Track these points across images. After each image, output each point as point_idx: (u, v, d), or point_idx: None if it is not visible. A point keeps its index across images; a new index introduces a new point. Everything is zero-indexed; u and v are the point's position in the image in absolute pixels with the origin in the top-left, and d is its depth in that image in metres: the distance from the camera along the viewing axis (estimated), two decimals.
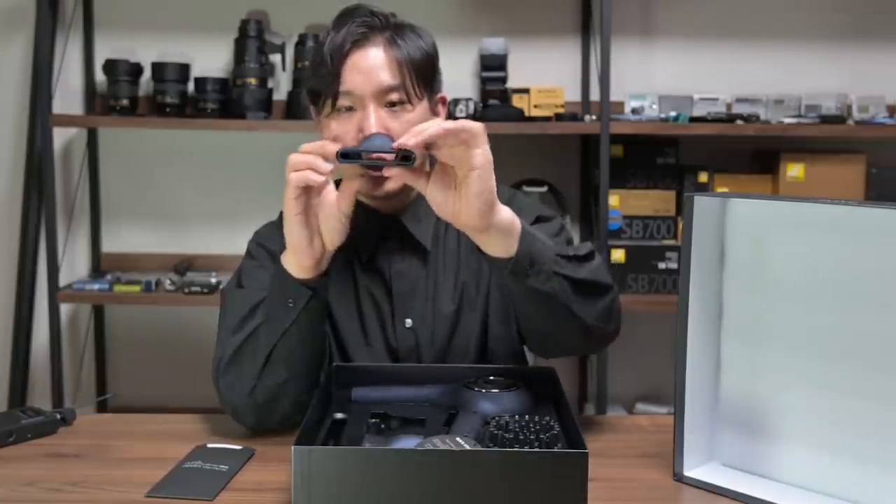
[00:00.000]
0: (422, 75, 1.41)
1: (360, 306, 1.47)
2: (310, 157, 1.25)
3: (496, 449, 1.09)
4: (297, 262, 1.30)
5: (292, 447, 1.04)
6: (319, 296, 1.33)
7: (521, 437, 1.11)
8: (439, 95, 1.48)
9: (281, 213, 1.56)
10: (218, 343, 1.39)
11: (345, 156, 1.24)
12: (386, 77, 1.38)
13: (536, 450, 1.08)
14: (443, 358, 1.46)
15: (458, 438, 1.12)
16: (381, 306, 1.47)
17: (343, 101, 1.38)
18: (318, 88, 1.41)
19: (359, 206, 1.47)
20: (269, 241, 1.49)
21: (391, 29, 1.41)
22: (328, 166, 1.25)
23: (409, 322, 1.47)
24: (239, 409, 1.33)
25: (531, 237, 1.25)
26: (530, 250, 1.24)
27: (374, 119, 1.36)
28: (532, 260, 1.24)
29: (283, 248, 1.45)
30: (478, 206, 1.18)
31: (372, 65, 1.37)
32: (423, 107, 1.42)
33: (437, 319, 1.47)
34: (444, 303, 1.48)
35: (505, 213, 1.22)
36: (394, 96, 1.38)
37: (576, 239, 2.85)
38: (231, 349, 1.33)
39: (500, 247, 1.23)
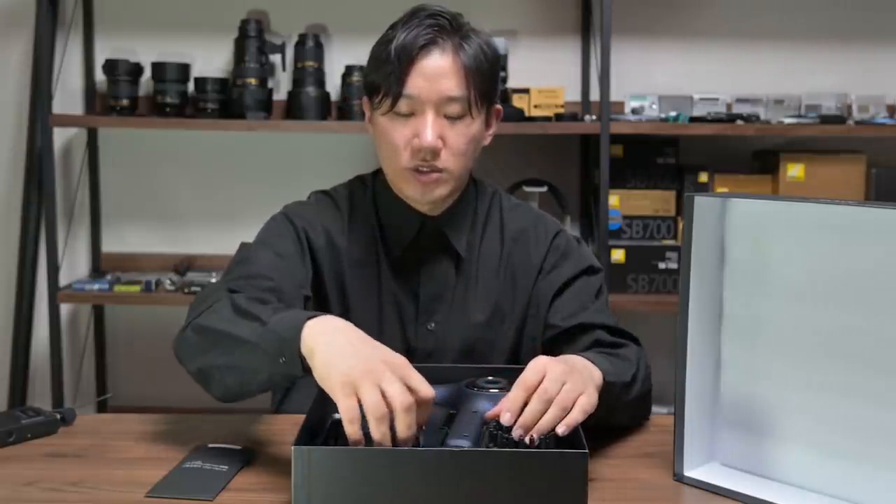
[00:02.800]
0: (485, 88, 1.41)
1: (381, 304, 1.47)
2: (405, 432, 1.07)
3: (497, 449, 1.09)
4: None
5: (292, 447, 1.04)
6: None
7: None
8: (495, 107, 1.47)
9: (312, 194, 1.54)
10: (216, 287, 1.35)
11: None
12: (451, 87, 1.37)
13: (536, 450, 1.08)
14: (463, 363, 1.45)
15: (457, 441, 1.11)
16: (404, 305, 1.47)
17: (402, 105, 1.37)
18: (378, 84, 1.39)
19: (396, 202, 1.47)
20: (297, 217, 1.47)
21: (460, 34, 1.40)
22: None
23: (431, 325, 1.47)
24: (181, 360, 1.30)
25: (606, 390, 1.22)
26: (602, 400, 1.21)
27: (431, 128, 1.36)
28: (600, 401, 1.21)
29: (306, 228, 1.45)
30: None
31: (439, 72, 1.36)
32: (481, 119, 1.42)
33: (462, 326, 1.47)
34: (474, 312, 1.47)
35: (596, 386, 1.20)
36: (456, 108, 1.38)
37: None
38: (213, 327, 1.24)
39: None
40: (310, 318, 1.15)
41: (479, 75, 1.39)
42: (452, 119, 1.38)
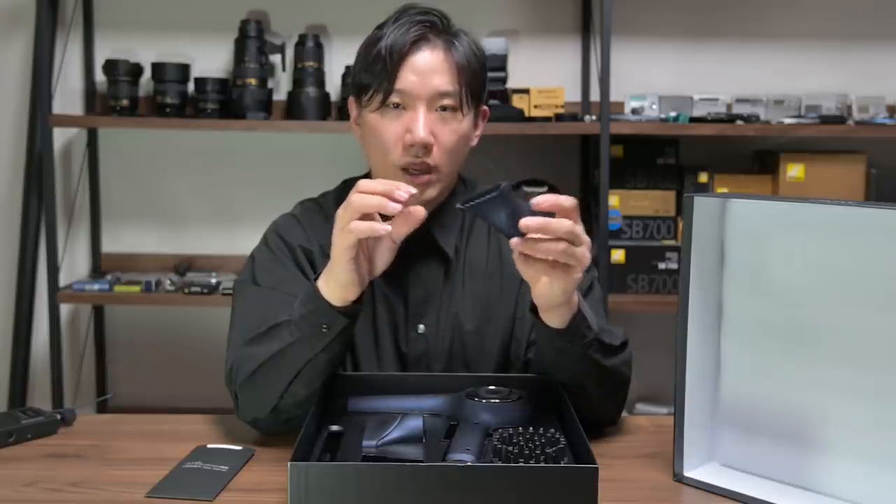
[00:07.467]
0: (475, 86, 1.41)
1: (375, 308, 1.46)
2: (376, 200, 1.17)
3: (504, 464, 1.07)
4: (343, 295, 1.25)
5: (289, 463, 1.02)
6: (354, 321, 1.29)
7: (527, 452, 1.09)
8: (482, 108, 1.47)
9: (298, 205, 1.54)
10: (230, 344, 1.37)
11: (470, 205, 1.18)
12: (443, 82, 1.37)
13: (544, 465, 1.06)
14: (453, 367, 1.45)
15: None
16: (396, 309, 1.45)
17: (394, 99, 1.37)
18: (368, 83, 1.38)
19: None
20: (289, 234, 1.47)
21: (450, 32, 1.40)
22: (396, 206, 1.18)
23: (421, 328, 1.45)
24: (258, 421, 1.32)
25: (582, 318, 1.26)
26: (577, 331, 1.25)
27: (423, 122, 1.36)
28: (573, 338, 1.25)
29: (301, 244, 1.44)
30: (559, 295, 1.21)
31: (430, 67, 1.37)
32: (470, 117, 1.42)
33: (452, 328, 1.45)
34: (463, 315, 1.46)
35: (575, 296, 1.25)
36: (447, 102, 1.37)
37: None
38: (253, 364, 1.29)
39: (554, 318, 1.25)
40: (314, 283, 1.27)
41: (470, 73, 1.40)
42: (444, 115, 1.38)
